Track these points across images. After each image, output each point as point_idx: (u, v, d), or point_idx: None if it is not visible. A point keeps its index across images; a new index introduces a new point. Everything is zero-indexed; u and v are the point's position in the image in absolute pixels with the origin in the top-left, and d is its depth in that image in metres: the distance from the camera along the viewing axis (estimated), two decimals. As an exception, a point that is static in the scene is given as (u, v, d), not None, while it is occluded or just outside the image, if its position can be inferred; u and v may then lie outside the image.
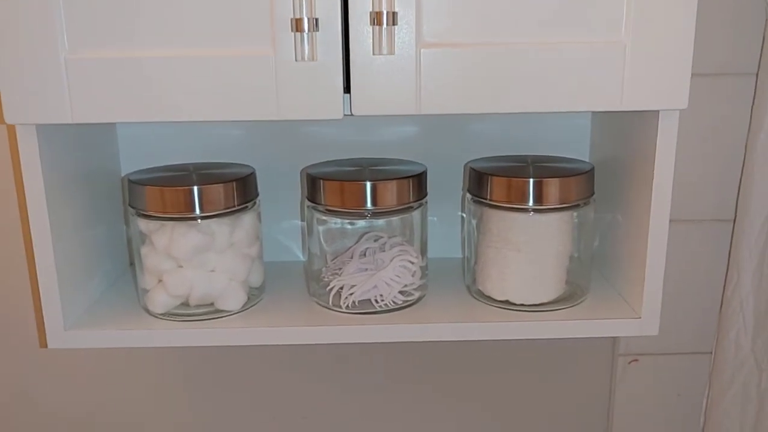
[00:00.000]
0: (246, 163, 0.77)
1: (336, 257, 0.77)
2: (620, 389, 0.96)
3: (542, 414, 0.97)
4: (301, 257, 0.87)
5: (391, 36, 0.59)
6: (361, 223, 0.74)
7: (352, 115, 0.63)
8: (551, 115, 0.84)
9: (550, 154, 0.80)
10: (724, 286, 0.89)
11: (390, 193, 0.71)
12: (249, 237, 0.73)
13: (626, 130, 0.74)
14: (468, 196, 0.77)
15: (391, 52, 0.60)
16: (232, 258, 0.72)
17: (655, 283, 0.70)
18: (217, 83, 0.61)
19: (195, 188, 0.68)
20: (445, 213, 0.85)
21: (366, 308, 0.73)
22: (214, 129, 0.83)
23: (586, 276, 0.75)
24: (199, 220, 0.69)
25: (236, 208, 0.71)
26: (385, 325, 0.71)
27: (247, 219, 0.73)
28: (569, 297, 0.74)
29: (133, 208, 0.71)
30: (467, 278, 0.79)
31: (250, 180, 0.73)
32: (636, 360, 0.96)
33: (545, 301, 0.74)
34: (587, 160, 0.84)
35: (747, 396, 0.89)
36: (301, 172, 0.83)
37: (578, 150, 0.85)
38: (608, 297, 0.76)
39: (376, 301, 0.73)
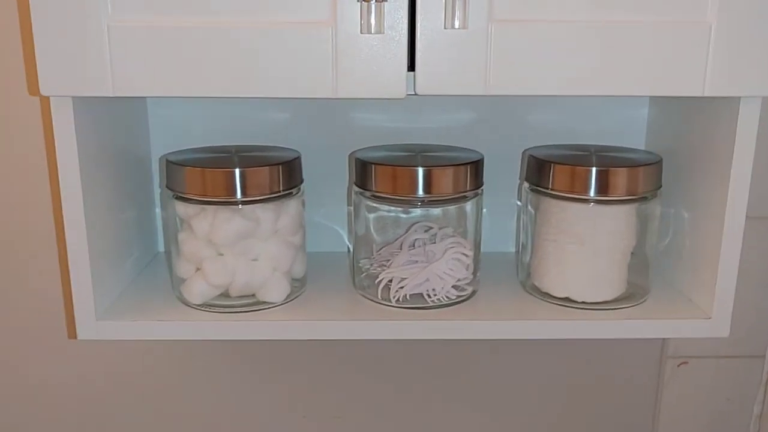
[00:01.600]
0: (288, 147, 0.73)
1: (382, 248, 0.72)
2: (667, 392, 0.92)
3: (585, 415, 0.93)
4: (345, 247, 0.82)
5: (465, 9, 0.55)
6: (414, 211, 0.69)
7: (414, 95, 0.58)
8: (610, 104, 0.79)
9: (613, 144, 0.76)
10: (785, 287, 0.85)
11: (445, 180, 0.66)
12: (294, 224, 0.69)
13: (694, 119, 0.69)
14: (525, 185, 0.72)
15: (465, 26, 0.55)
16: (276, 246, 0.67)
17: (727, 282, 0.66)
18: (269, 56, 0.56)
19: (238, 171, 0.64)
20: (496, 205, 0.80)
21: (417, 303, 0.68)
22: (251, 111, 0.78)
23: (648, 274, 0.71)
24: (241, 205, 0.65)
25: (281, 193, 0.66)
26: (438, 321, 0.66)
27: (292, 205, 0.68)
28: (630, 296, 0.70)
29: (171, 190, 0.66)
30: (521, 273, 0.74)
31: (296, 164, 0.68)
32: (685, 362, 0.91)
33: (607, 299, 0.69)
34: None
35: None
36: (349, 157, 0.79)
37: (634, 142, 0.80)
38: (671, 296, 0.71)
39: (428, 296, 0.68)
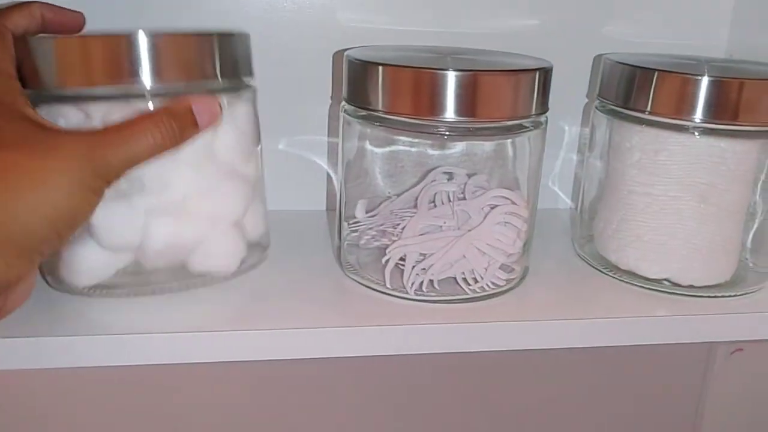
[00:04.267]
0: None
1: (381, 205, 0.46)
2: (717, 380, 0.72)
3: (625, 402, 0.72)
4: (323, 203, 0.56)
5: None
6: (447, 147, 0.44)
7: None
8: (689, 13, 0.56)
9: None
10: None
11: (497, 94, 0.40)
12: (244, 143, 0.41)
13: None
14: (599, 105, 0.47)
15: None
16: (214, 177, 0.40)
17: None
18: None
19: (146, 38, 0.36)
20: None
21: (448, 293, 0.43)
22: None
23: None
24: (151, 100, 0.37)
25: (220, 85, 0.39)
26: (488, 323, 0.41)
27: (241, 113, 0.41)
28: (743, 278, 0.47)
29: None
30: (582, 242, 0.50)
31: (242, 45, 0.41)
32: (740, 349, 0.71)
33: (721, 281, 0.46)
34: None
35: None
36: (333, 57, 0.51)
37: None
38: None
39: (466, 282, 0.43)
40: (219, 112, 0.36)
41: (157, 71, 0.36)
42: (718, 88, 0.42)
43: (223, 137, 0.39)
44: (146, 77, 0.36)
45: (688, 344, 0.61)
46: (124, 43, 0.36)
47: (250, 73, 0.42)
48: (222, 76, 0.39)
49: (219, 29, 0.39)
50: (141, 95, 0.36)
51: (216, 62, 0.38)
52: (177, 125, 0.34)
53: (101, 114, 0.36)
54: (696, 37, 0.57)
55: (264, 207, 0.44)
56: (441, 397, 0.66)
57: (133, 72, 0.36)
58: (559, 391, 0.69)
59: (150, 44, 0.36)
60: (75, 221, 0.32)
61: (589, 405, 0.71)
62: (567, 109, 0.55)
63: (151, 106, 0.36)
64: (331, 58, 0.51)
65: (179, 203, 0.39)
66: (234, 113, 0.40)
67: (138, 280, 0.40)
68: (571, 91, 0.54)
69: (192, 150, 0.36)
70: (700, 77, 0.42)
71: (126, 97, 0.36)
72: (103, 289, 0.40)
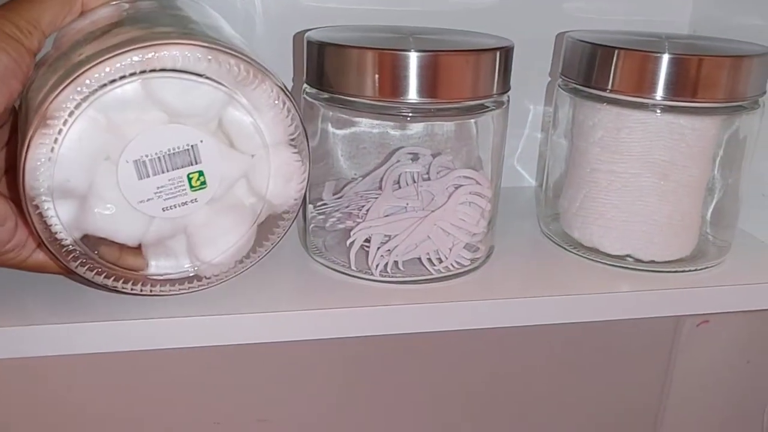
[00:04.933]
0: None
1: (346, 186, 0.46)
2: (685, 352, 0.73)
3: (595, 375, 0.73)
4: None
5: None
6: (407, 128, 0.44)
7: None
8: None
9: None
10: None
11: (458, 75, 0.40)
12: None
13: None
14: (562, 83, 0.48)
15: None
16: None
17: None
18: None
19: None
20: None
21: (414, 274, 0.43)
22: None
23: (734, 220, 0.49)
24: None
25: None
26: (452, 303, 0.41)
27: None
28: (704, 252, 0.48)
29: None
30: (547, 219, 0.51)
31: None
32: (706, 321, 0.73)
33: (681, 257, 0.47)
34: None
35: None
36: (294, 39, 0.50)
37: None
38: (757, 250, 0.51)
39: (431, 262, 0.43)
40: None
41: None
42: (677, 65, 0.42)
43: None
44: None
45: (654, 318, 0.62)
46: None
47: None
48: None
49: None
50: None
51: None
52: None
53: None
54: (660, 12, 0.57)
55: None
56: (409, 378, 0.66)
57: None
58: (528, 367, 0.70)
59: None
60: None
61: (559, 380, 0.72)
62: (530, 87, 0.56)
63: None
64: (291, 40, 0.51)
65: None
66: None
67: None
68: (534, 69, 0.54)
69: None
70: (660, 54, 0.42)
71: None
72: None
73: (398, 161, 0.45)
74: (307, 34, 0.42)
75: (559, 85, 0.48)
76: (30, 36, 0.33)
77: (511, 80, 0.44)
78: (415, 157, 0.46)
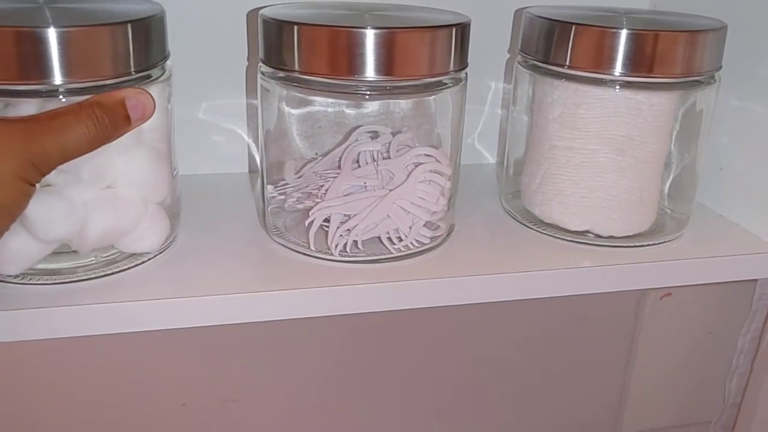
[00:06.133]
0: None
1: (305, 167, 0.46)
2: (649, 324, 0.75)
3: (555, 352, 0.74)
4: (246, 166, 0.55)
5: None
6: (365, 106, 0.43)
7: None
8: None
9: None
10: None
11: (414, 52, 0.40)
12: (163, 124, 0.40)
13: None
14: (521, 60, 0.48)
15: None
16: (144, 161, 0.39)
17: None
18: None
19: (56, 32, 0.34)
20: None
21: (373, 253, 0.43)
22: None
23: (692, 195, 0.50)
24: (63, 96, 0.35)
25: (139, 74, 0.38)
26: (413, 281, 0.42)
27: (155, 96, 0.39)
28: (663, 227, 0.49)
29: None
30: (511, 198, 0.51)
31: (158, 25, 0.39)
32: (669, 294, 0.74)
33: (640, 231, 0.48)
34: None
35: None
36: (248, 17, 0.50)
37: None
38: (716, 225, 0.51)
39: (391, 241, 0.43)
40: (152, 107, 0.36)
41: (68, 69, 0.35)
42: (634, 41, 0.42)
43: (149, 122, 0.38)
44: (57, 75, 0.34)
45: (618, 291, 0.63)
46: (34, 39, 0.34)
47: (165, 57, 0.40)
48: (136, 67, 0.37)
49: (132, 12, 0.38)
50: (53, 91, 0.35)
51: (130, 54, 0.37)
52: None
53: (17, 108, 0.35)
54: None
55: (175, 178, 0.44)
56: (374, 355, 0.67)
57: (45, 71, 0.34)
58: (494, 343, 0.71)
59: (60, 40, 0.34)
60: (11, 213, 0.32)
61: (527, 354, 0.73)
62: (491, 64, 0.55)
63: (63, 100, 0.35)
64: (245, 18, 0.50)
65: (114, 191, 0.39)
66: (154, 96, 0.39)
67: (67, 263, 0.39)
68: (494, 46, 0.54)
69: (122, 137, 0.36)
70: (617, 30, 0.42)
71: (38, 94, 0.35)
72: (34, 275, 0.39)
73: (357, 140, 0.45)
74: (260, 12, 0.41)
75: (518, 62, 0.48)
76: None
77: (472, 58, 0.43)
78: (375, 135, 0.46)
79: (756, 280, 0.74)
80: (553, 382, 0.75)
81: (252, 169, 0.55)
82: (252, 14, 0.49)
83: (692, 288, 0.74)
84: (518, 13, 0.54)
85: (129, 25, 0.36)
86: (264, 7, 0.43)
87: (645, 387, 0.79)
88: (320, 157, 0.46)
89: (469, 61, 0.43)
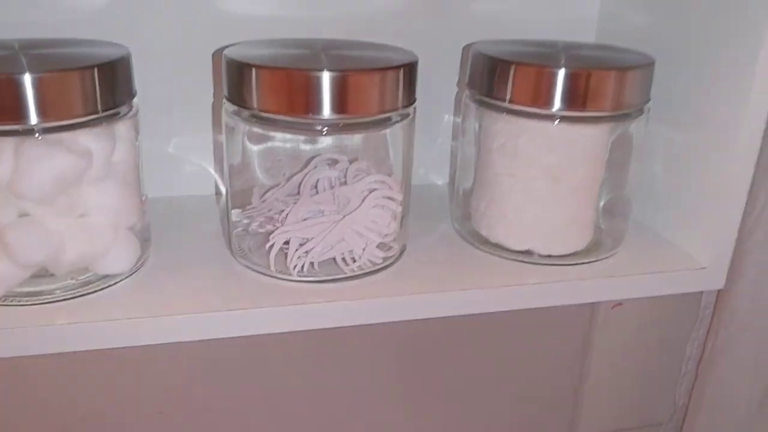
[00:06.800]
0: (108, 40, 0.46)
1: (268, 192, 0.49)
2: (601, 334, 0.79)
3: (516, 361, 0.78)
4: (212, 189, 0.58)
5: None
6: (319, 141, 0.47)
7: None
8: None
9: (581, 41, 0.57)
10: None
11: (365, 92, 0.44)
12: (131, 156, 0.44)
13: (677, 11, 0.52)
14: (468, 95, 0.52)
15: None
16: (114, 190, 0.43)
17: (732, 223, 0.51)
18: None
19: (32, 78, 0.38)
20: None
21: (328, 273, 0.47)
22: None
23: (627, 215, 0.54)
24: (46, 134, 0.39)
25: (107, 113, 0.41)
26: (366, 299, 0.45)
27: (123, 131, 0.43)
28: (601, 244, 0.53)
29: None
30: (461, 220, 0.55)
31: (124, 66, 0.43)
32: (620, 304, 0.78)
33: (578, 250, 0.52)
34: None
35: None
36: (213, 56, 0.53)
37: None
38: (649, 243, 0.55)
39: (345, 262, 0.47)
40: None
41: (42, 110, 0.38)
42: (569, 79, 0.46)
43: (118, 155, 0.42)
44: (33, 116, 0.38)
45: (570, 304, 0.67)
46: (12, 84, 0.37)
47: (132, 95, 0.44)
48: (104, 106, 0.41)
49: (99, 56, 0.41)
50: (30, 131, 0.38)
51: (97, 94, 0.40)
52: None
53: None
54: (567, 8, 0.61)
55: (144, 204, 0.47)
56: (331, 371, 0.70)
57: (22, 112, 0.38)
58: (450, 358, 0.74)
59: (35, 84, 0.37)
60: None
61: (482, 368, 0.77)
62: (444, 97, 0.59)
63: (39, 138, 0.39)
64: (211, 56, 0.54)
65: (88, 219, 0.42)
66: (120, 132, 0.43)
67: (44, 286, 0.43)
68: (447, 80, 0.58)
69: (95, 170, 0.39)
70: (552, 69, 0.46)
71: (15, 133, 0.38)
72: (15, 297, 0.42)
73: (316, 167, 0.49)
74: (224, 52, 0.45)
75: (465, 96, 0.52)
76: None
77: (427, 91, 0.47)
78: (333, 163, 0.49)
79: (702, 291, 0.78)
80: (511, 390, 0.79)
81: (218, 191, 0.58)
82: (217, 53, 0.53)
83: (642, 298, 0.78)
84: (466, 48, 0.58)
85: (95, 68, 0.40)
86: (229, 46, 0.47)
87: (600, 391, 0.83)
88: (284, 182, 0.50)
89: (424, 94, 0.47)
